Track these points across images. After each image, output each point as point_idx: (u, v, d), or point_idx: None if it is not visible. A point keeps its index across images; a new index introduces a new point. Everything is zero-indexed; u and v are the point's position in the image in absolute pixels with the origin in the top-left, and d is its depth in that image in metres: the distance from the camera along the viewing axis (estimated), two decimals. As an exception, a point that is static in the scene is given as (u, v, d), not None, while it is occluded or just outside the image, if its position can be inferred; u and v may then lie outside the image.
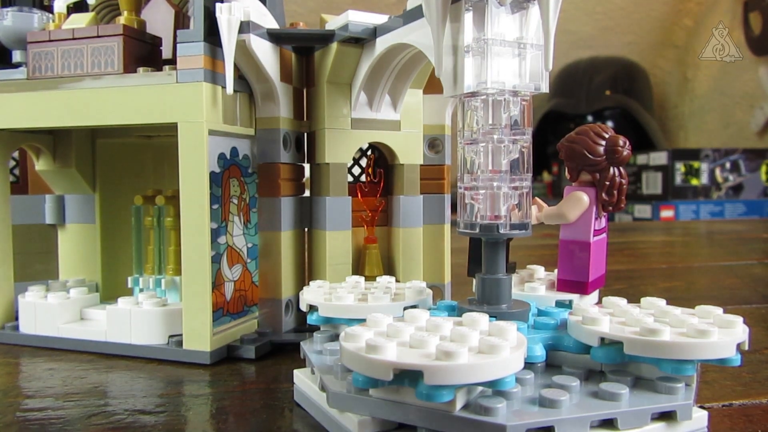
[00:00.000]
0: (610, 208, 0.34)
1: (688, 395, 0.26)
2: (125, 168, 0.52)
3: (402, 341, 0.24)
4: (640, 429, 0.25)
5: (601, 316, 0.27)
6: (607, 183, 0.33)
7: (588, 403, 0.25)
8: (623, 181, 0.34)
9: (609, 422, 0.24)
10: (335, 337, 0.33)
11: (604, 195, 0.34)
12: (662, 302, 0.31)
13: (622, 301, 0.31)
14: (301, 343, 0.33)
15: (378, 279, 0.38)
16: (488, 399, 0.24)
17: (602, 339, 0.27)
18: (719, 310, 0.29)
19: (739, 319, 0.27)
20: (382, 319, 0.27)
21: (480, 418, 0.23)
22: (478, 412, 0.24)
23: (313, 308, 0.33)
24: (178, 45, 0.39)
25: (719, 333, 0.26)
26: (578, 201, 0.34)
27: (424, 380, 0.22)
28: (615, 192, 0.34)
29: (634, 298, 0.32)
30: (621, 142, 0.33)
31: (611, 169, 0.33)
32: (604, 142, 0.33)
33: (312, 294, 0.34)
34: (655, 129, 2.60)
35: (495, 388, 0.24)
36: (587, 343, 0.28)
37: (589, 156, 0.33)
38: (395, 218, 0.47)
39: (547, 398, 0.24)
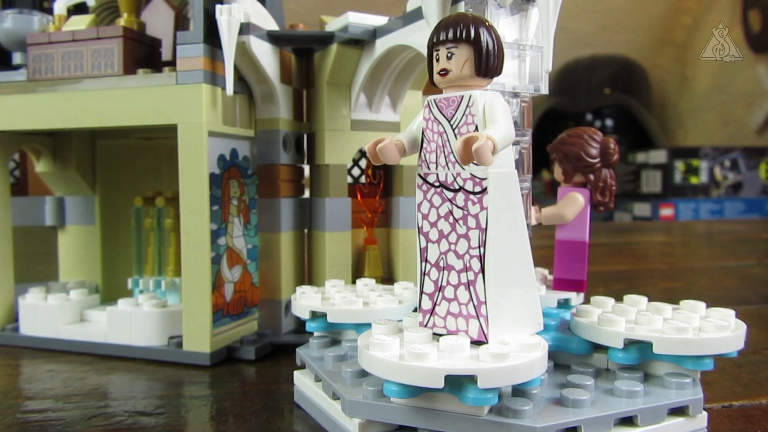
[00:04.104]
0: (602, 208, 0.35)
1: (696, 390, 0.27)
2: (125, 169, 0.52)
3: (440, 347, 0.24)
4: (658, 425, 0.25)
5: (619, 318, 0.28)
6: (601, 184, 0.34)
7: (608, 402, 0.25)
8: (613, 182, 0.34)
9: (627, 420, 0.25)
10: (333, 343, 0.33)
11: (598, 195, 0.34)
12: (644, 299, 0.31)
13: (609, 301, 0.32)
14: (297, 350, 0.33)
15: (362, 281, 0.38)
16: (514, 401, 0.24)
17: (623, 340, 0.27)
18: (703, 305, 0.30)
19: (732, 312, 0.29)
20: (392, 325, 0.27)
21: (510, 421, 0.23)
22: (506, 414, 0.24)
23: (314, 314, 0.33)
24: (177, 46, 0.39)
25: (734, 327, 0.27)
26: (575, 201, 0.34)
27: (477, 384, 0.22)
28: (607, 192, 0.34)
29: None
30: (612, 145, 0.34)
31: (603, 170, 0.34)
32: (597, 145, 0.34)
33: (311, 300, 0.34)
34: (654, 127, 2.60)
35: (528, 386, 0.24)
36: (608, 345, 0.28)
37: (585, 158, 0.34)
38: (395, 219, 0.47)
39: (569, 398, 0.25)
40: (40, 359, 0.41)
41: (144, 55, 0.43)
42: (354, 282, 0.41)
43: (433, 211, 0.26)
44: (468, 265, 0.25)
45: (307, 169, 0.48)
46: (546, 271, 0.41)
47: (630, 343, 0.27)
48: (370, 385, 0.26)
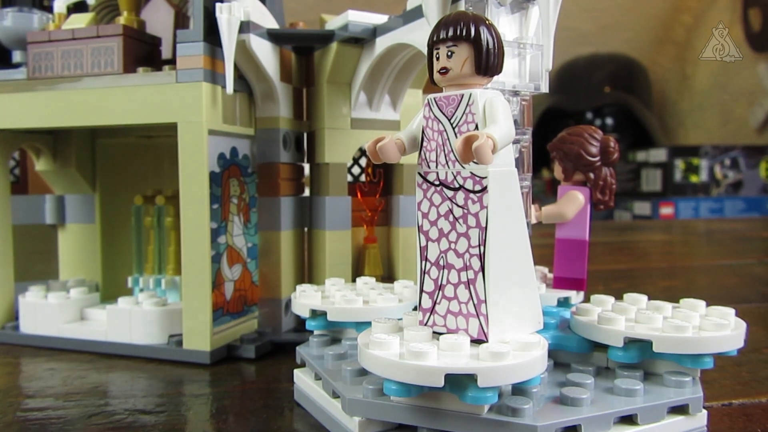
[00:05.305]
0: (602, 206, 0.35)
1: (696, 389, 0.27)
2: (125, 168, 0.52)
3: (440, 346, 0.24)
4: (657, 423, 0.25)
5: (619, 317, 0.28)
6: (601, 183, 0.34)
7: (607, 400, 0.25)
8: (613, 180, 0.35)
9: (627, 418, 0.25)
10: (332, 341, 0.33)
11: (598, 194, 0.34)
12: (644, 298, 0.31)
13: (609, 299, 0.32)
14: (298, 348, 0.33)
15: (362, 280, 0.38)
16: (514, 400, 0.24)
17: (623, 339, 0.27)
18: (703, 304, 0.30)
19: (732, 311, 0.29)
20: (392, 323, 0.27)
21: (510, 420, 0.23)
22: (506, 413, 0.24)
23: (314, 313, 0.33)
24: (177, 45, 0.39)
25: (734, 325, 0.27)
26: (575, 200, 0.34)
27: (477, 382, 0.22)
28: (607, 191, 0.34)
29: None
30: (612, 143, 0.34)
31: (603, 169, 0.34)
32: (598, 143, 0.34)
33: (311, 299, 0.33)
34: (654, 126, 2.60)
35: (528, 385, 0.24)
36: (608, 343, 0.28)
37: (586, 156, 0.34)
38: (395, 218, 0.47)
39: (569, 397, 0.25)
40: (41, 358, 0.41)
41: (144, 53, 0.43)
42: (354, 280, 0.41)
43: (433, 210, 0.26)
44: (468, 263, 0.25)
45: (307, 167, 0.48)
46: (546, 270, 0.41)
47: (630, 342, 0.27)
48: (370, 383, 0.26)
